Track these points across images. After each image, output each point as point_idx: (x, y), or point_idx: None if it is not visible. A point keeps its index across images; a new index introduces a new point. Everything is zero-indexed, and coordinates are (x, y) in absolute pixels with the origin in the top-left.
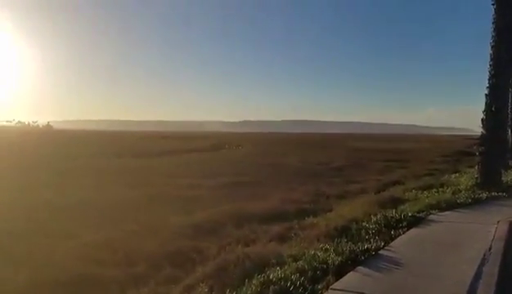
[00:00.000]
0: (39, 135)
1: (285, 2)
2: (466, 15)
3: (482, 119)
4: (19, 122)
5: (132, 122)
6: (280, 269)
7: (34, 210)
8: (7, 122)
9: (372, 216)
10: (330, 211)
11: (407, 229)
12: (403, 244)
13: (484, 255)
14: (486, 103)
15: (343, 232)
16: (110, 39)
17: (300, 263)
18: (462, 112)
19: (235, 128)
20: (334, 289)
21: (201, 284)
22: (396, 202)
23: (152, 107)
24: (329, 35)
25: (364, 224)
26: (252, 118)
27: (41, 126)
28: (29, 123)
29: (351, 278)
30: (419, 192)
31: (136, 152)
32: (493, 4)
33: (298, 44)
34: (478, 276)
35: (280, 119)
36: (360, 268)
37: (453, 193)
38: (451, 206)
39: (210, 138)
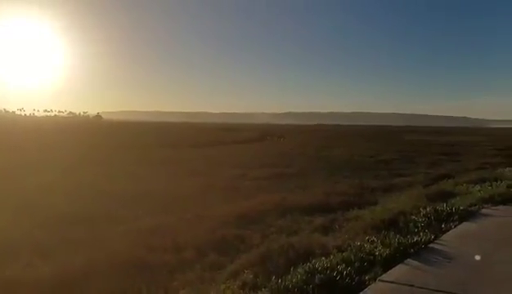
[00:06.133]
0: (93, 127)
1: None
2: None
3: None
4: (70, 112)
5: (177, 113)
6: (326, 258)
7: (92, 197)
8: (59, 112)
9: (421, 209)
10: (375, 204)
11: (459, 223)
12: (454, 238)
13: None
14: None
15: (391, 224)
16: (156, 32)
17: (346, 254)
18: None
19: (279, 120)
20: (383, 280)
21: (246, 271)
22: (446, 195)
23: (196, 98)
24: (371, 26)
25: (412, 217)
26: (295, 110)
27: (91, 116)
28: (79, 114)
29: (400, 271)
30: (471, 186)
31: (186, 143)
32: None
33: (343, 36)
34: None
35: (325, 111)
36: (409, 260)
37: (507, 186)
38: (506, 200)
39: (255, 130)
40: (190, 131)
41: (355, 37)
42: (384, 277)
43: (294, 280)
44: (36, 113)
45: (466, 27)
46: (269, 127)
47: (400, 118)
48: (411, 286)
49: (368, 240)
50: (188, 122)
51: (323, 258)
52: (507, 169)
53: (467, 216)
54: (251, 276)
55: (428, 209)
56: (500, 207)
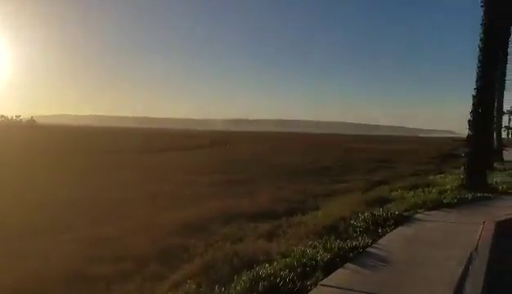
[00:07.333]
0: (27, 131)
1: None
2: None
3: (468, 120)
4: (1, 116)
5: (123, 118)
6: (269, 265)
7: (33, 206)
8: None
9: (360, 215)
10: (318, 209)
11: (394, 228)
12: (390, 242)
13: (471, 254)
14: (473, 104)
15: (332, 229)
16: (97, 33)
17: (289, 259)
18: (447, 113)
19: (227, 127)
20: (324, 285)
21: (188, 281)
22: (382, 201)
23: (137, 102)
24: (322, 34)
25: (352, 222)
26: (244, 117)
27: (24, 121)
28: (12, 118)
29: (340, 275)
30: (406, 192)
31: (132, 149)
32: (482, 6)
33: (293, 43)
34: (464, 275)
35: (273, 118)
36: (348, 265)
37: (439, 193)
38: (438, 205)
39: (202, 136)
40: (136, 136)
41: (304, 44)
42: (325, 281)
43: (237, 288)
44: None
45: (405, 38)
46: (218, 134)
47: (341, 126)
48: (351, 290)
49: (310, 245)
50: (134, 127)
51: (267, 265)
52: (438, 176)
53: (402, 220)
54: (193, 286)
55: (366, 214)
56: (433, 212)
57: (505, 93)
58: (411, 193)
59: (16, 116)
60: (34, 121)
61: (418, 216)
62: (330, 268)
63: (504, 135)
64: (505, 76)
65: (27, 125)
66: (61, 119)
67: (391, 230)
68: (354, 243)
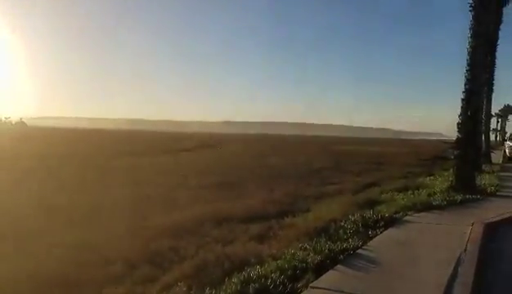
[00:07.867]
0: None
1: None
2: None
3: (457, 123)
4: None
5: (109, 119)
6: (260, 267)
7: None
8: None
9: (350, 216)
10: (308, 211)
11: (384, 229)
12: (380, 244)
13: (460, 255)
14: (461, 107)
15: (322, 231)
16: (85, 31)
17: (280, 262)
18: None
19: (216, 128)
20: (314, 287)
21: (179, 283)
22: (373, 203)
23: (124, 104)
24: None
25: (342, 224)
26: (233, 119)
27: (13, 122)
28: (1, 120)
29: (330, 277)
30: (396, 194)
31: (121, 151)
32: (471, 10)
33: (282, 42)
34: (454, 276)
35: (262, 120)
36: (339, 267)
37: (428, 195)
38: (427, 207)
39: (192, 138)
40: (125, 138)
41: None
42: (316, 283)
43: (228, 291)
44: None
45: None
46: (207, 136)
47: (328, 128)
48: (341, 292)
49: (301, 247)
50: (121, 129)
51: (258, 267)
52: (428, 178)
53: (392, 222)
54: (184, 288)
55: (356, 216)
56: (422, 214)
57: (493, 96)
58: (401, 195)
59: (6, 117)
60: (25, 123)
61: (408, 217)
62: (320, 270)
63: (492, 137)
64: (493, 79)
65: (20, 127)
66: (52, 121)
67: (381, 232)
68: (344, 245)
